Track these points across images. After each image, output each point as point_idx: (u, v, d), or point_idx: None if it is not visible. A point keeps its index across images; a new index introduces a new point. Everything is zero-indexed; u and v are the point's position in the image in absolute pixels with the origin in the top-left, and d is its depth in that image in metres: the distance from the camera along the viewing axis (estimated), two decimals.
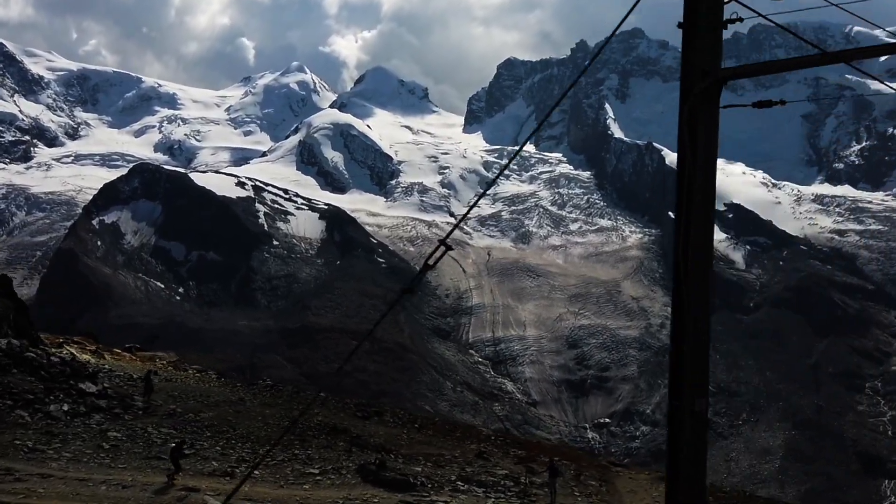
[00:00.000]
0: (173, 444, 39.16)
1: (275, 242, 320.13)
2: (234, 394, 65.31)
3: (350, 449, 51.49)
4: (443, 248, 9.35)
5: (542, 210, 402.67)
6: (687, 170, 10.18)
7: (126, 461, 39.71)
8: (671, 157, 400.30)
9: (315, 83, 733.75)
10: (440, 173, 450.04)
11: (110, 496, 33.42)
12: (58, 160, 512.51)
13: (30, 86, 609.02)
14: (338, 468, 45.70)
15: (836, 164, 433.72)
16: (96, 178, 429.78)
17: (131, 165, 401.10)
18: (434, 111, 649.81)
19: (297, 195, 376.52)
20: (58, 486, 33.80)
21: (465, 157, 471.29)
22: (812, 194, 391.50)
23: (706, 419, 9.81)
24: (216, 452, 44.09)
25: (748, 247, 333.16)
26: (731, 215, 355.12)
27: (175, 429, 48.31)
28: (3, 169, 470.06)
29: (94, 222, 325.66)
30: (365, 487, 42.58)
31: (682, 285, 9.77)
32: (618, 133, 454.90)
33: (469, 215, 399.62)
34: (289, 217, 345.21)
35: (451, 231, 9.58)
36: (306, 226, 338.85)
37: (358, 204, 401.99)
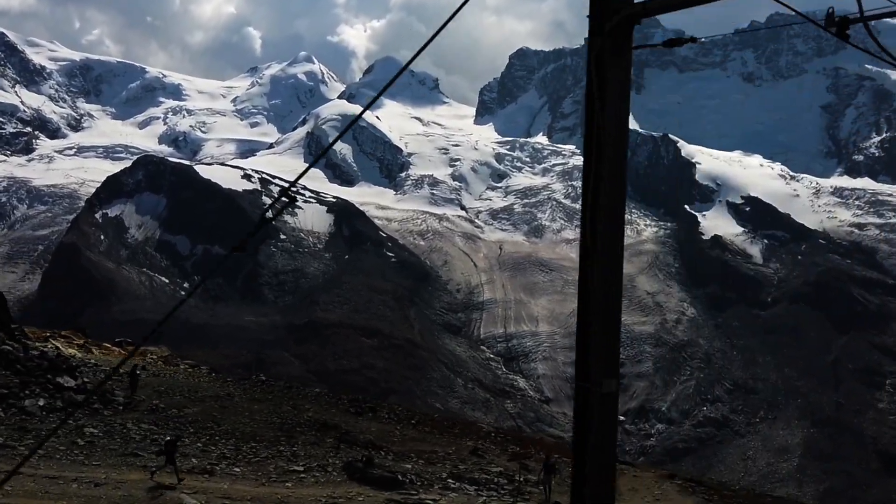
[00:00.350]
0: (168, 439, 38.55)
1: (282, 236, 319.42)
2: (223, 389, 64.86)
3: (338, 446, 50.86)
4: (284, 199, 8.59)
5: (555, 203, 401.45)
6: (596, 122, 9.07)
7: (101, 458, 39.34)
8: (688, 150, 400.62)
9: (323, 74, 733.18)
10: (451, 166, 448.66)
11: (81, 494, 32.90)
12: (60, 152, 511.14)
13: (31, 76, 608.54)
14: (323, 465, 45.11)
15: (856, 156, 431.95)
16: (99, 171, 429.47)
17: (135, 158, 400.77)
18: (445, 102, 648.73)
19: (304, 188, 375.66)
20: (26, 484, 33.34)
21: (476, 149, 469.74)
22: (831, 187, 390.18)
23: (615, 402, 9.31)
24: (197, 449, 43.65)
25: (766, 240, 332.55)
26: (748, 208, 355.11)
27: (156, 424, 48.14)
28: (5, 161, 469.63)
29: (98, 216, 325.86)
30: (350, 485, 41.83)
31: (590, 256, 9.07)
32: (633, 125, 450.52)
33: (480, 208, 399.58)
34: (296, 210, 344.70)
35: (295, 181, 8.41)
36: (314, 219, 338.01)
37: (367, 197, 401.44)
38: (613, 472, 9.30)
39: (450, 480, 47.17)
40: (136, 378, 56.13)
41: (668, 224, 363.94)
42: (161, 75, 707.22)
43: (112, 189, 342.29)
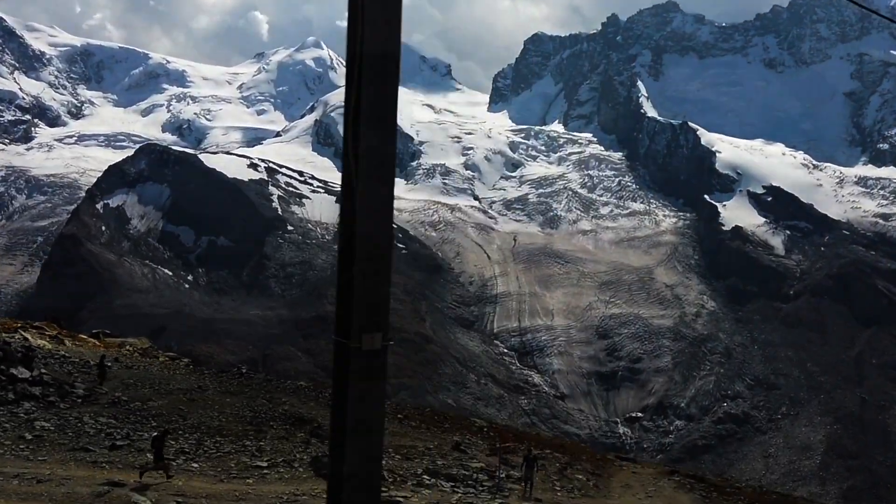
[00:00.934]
0: (155, 434, 38.02)
1: (289, 227, 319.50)
2: (197, 382, 63.60)
3: (308, 440, 49.80)
4: None
5: (570, 193, 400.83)
6: (358, 36, 8.19)
7: (48, 453, 38.82)
8: (708, 138, 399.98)
9: (332, 59, 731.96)
10: (464, 154, 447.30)
11: (21, 491, 32.21)
12: (60, 141, 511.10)
13: (31, 62, 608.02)
14: (290, 461, 44.04)
15: (881, 145, 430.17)
16: (101, 160, 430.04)
17: (138, 146, 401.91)
18: (457, 89, 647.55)
19: (312, 177, 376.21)
20: None
21: (489, 137, 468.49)
22: (855, 176, 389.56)
23: (382, 363, 8.19)
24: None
25: (788, 231, 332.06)
26: (770, 198, 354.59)
27: (115, 418, 47.45)
28: (3, 150, 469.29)
29: (99, 206, 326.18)
30: (316, 481, 40.40)
31: (353, 188, 7.83)
32: (651, 112, 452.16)
33: (494, 199, 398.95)
34: (304, 200, 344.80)
35: None
36: (322, 210, 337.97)
37: None
38: (380, 449, 8.04)
39: (425, 476, 45.95)
40: (105, 369, 56.02)
41: (688, 214, 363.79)
42: (164, 61, 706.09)
43: (114, 179, 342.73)
